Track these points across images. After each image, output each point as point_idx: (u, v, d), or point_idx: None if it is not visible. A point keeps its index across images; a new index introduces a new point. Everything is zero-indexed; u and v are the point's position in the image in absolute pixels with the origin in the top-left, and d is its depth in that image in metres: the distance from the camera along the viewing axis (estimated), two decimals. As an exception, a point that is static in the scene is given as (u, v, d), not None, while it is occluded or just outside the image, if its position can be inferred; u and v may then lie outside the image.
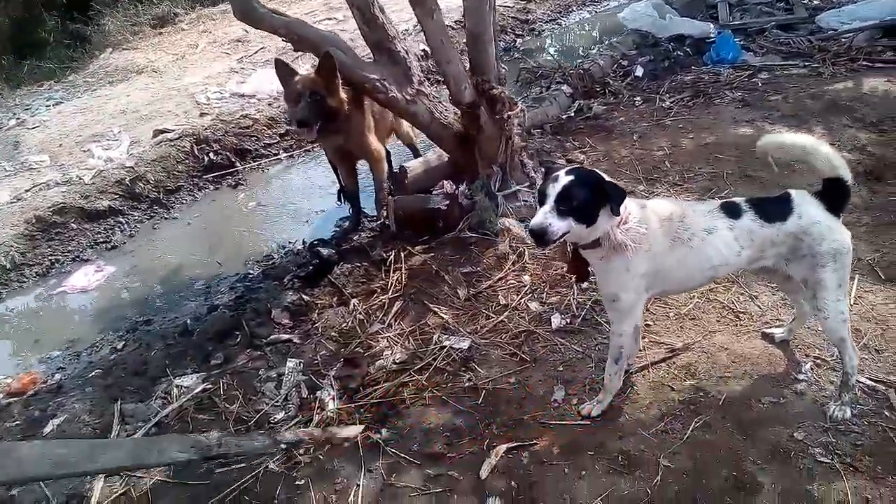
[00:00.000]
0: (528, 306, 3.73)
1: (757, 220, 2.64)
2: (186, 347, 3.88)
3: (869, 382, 2.96)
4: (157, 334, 4.21)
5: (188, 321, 4.21)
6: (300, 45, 4.30)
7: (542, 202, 2.46)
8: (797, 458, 2.63)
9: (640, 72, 6.62)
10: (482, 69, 4.28)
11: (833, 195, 2.64)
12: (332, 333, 3.79)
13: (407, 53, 4.42)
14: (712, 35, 7.13)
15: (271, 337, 3.83)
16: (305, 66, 6.71)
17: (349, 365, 3.50)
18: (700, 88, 5.95)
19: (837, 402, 2.81)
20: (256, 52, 9.25)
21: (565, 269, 3.31)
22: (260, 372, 3.60)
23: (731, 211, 2.68)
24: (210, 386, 3.49)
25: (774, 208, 2.67)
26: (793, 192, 2.68)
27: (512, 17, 9.65)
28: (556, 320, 3.58)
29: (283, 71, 4.20)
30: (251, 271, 4.75)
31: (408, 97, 4.29)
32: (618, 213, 2.47)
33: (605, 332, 3.43)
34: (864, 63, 6.14)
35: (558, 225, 2.40)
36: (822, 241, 2.60)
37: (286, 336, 3.83)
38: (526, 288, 3.87)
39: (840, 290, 2.66)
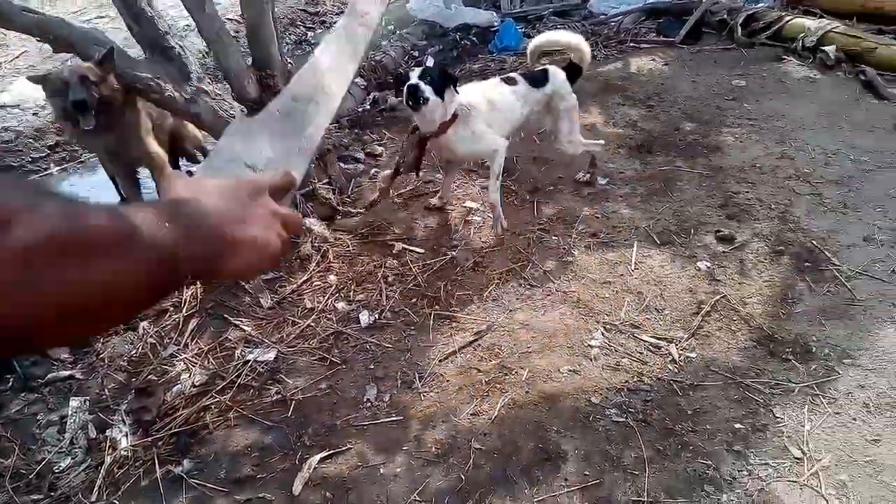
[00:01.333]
0: (335, 307, 3.61)
1: (527, 85, 4.03)
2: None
3: (653, 340, 3.19)
4: None
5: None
6: (59, 46, 3.86)
7: (407, 78, 3.52)
8: (595, 422, 2.77)
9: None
10: (266, 63, 4.07)
11: (573, 73, 4.20)
12: (121, 363, 3.43)
13: (183, 50, 4.11)
14: (496, 24, 7.38)
15: (49, 376, 3.39)
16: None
17: (142, 395, 3.18)
18: (487, 76, 6.10)
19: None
20: (18, 57, 8.28)
21: (407, 168, 4.10)
22: (38, 417, 3.17)
23: (511, 81, 4.03)
24: (-23, 442, 3.04)
25: (538, 77, 4.10)
26: (549, 66, 4.23)
27: (301, 10, 9.40)
28: (365, 318, 3.50)
29: (36, 80, 3.75)
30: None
31: (186, 96, 3.98)
32: (457, 91, 3.69)
33: (413, 321, 3.43)
34: (632, 44, 6.64)
35: (426, 87, 3.45)
36: (563, 99, 4.11)
37: (67, 372, 3.42)
38: (332, 288, 3.75)
39: (573, 127, 4.17)
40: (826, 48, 5.77)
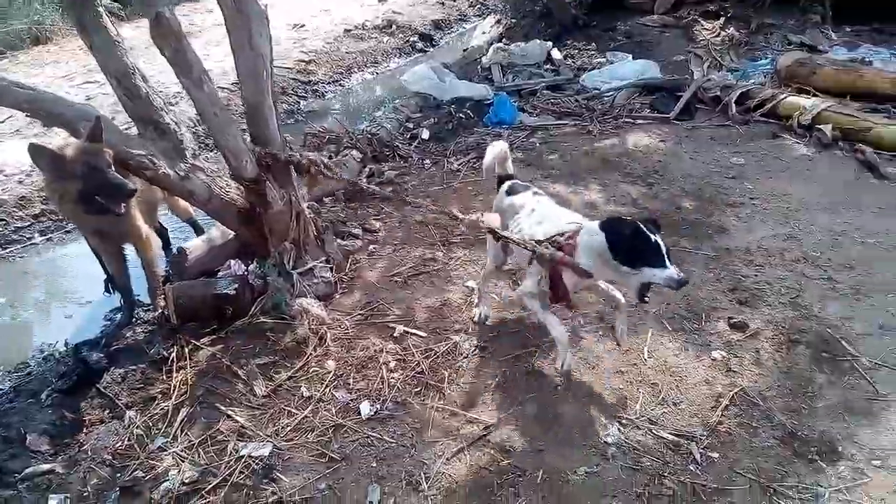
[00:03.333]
0: (334, 396, 3.43)
1: None
2: None
3: (672, 437, 3.03)
4: None
5: None
6: (51, 121, 3.75)
7: (659, 259, 2.84)
8: (618, 531, 2.58)
9: (426, 134, 6.67)
10: (264, 140, 3.98)
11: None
12: (106, 456, 3.20)
13: (178, 125, 4.01)
14: (490, 97, 7.40)
15: (27, 470, 3.15)
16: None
17: (128, 494, 2.96)
18: (483, 150, 6.06)
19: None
20: (3, 122, 8.17)
21: (559, 296, 3.28)
22: (12, 518, 2.95)
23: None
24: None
25: None
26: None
27: (292, 79, 9.41)
28: (366, 408, 3.32)
29: (42, 155, 3.58)
30: (0, 387, 3.97)
31: (181, 173, 3.86)
32: None
33: (417, 414, 3.25)
34: (627, 120, 6.67)
35: None
36: None
37: (46, 466, 3.17)
38: (331, 375, 3.57)
39: None
40: (822, 127, 5.81)
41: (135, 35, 8.11)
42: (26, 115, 3.74)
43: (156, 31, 3.38)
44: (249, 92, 3.90)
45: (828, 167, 5.43)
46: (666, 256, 2.86)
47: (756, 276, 4.10)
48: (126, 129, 4.13)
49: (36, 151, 3.54)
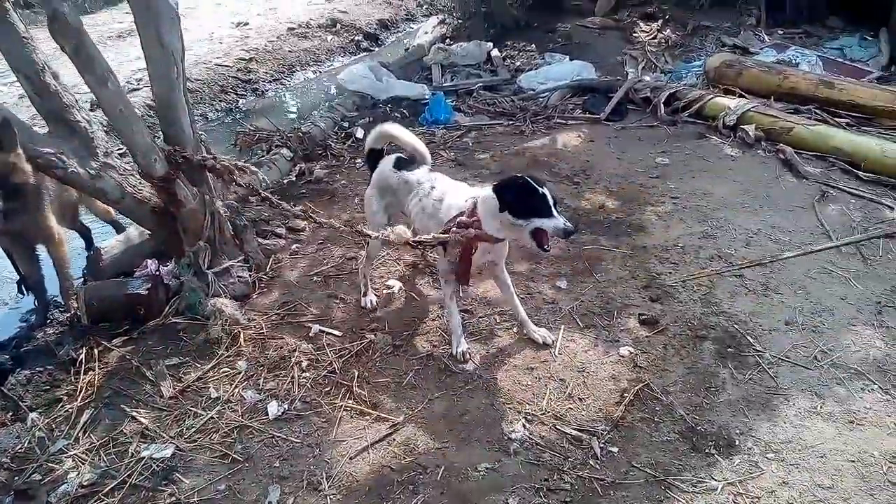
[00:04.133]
0: (242, 397, 3.38)
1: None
2: None
3: (575, 433, 3.07)
4: None
5: None
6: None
7: (545, 208, 3.04)
8: (511, 527, 2.60)
9: (360, 133, 6.63)
10: (176, 139, 3.92)
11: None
12: (3, 459, 3.12)
13: (89, 123, 3.93)
14: (427, 97, 7.40)
15: (-81, 475, 3.07)
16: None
17: (22, 498, 2.88)
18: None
19: None
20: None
21: (459, 275, 3.45)
22: None
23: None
24: None
25: None
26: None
27: (233, 77, 9.29)
28: (273, 409, 3.29)
29: None
30: None
31: (91, 172, 3.77)
32: None
33: (325, 413, 3.23)
34: (559, 121, 6.73)
35: None
36: None
37: (-60, 470, 3.10)
38: (241, 375, 3.53)
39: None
40: (746, 127, 5.94)
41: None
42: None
43: (54, 27, 3.31)
44: (161, 90, 3.84)
45: (750, 167, 5.55)
46: (553, 207, 3.08)
47: (670, 273, 4.17)
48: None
49: None
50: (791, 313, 3.78)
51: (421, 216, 3.59)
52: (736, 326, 3.69)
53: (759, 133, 5.89)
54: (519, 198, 3.09)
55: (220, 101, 8.73)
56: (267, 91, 9.35)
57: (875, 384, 3.25)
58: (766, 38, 8.79)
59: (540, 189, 3.07)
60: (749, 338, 3.61)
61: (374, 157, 4.05)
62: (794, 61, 7.45)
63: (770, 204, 4.93)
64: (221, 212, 4.13)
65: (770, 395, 3.24)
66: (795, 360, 3.45)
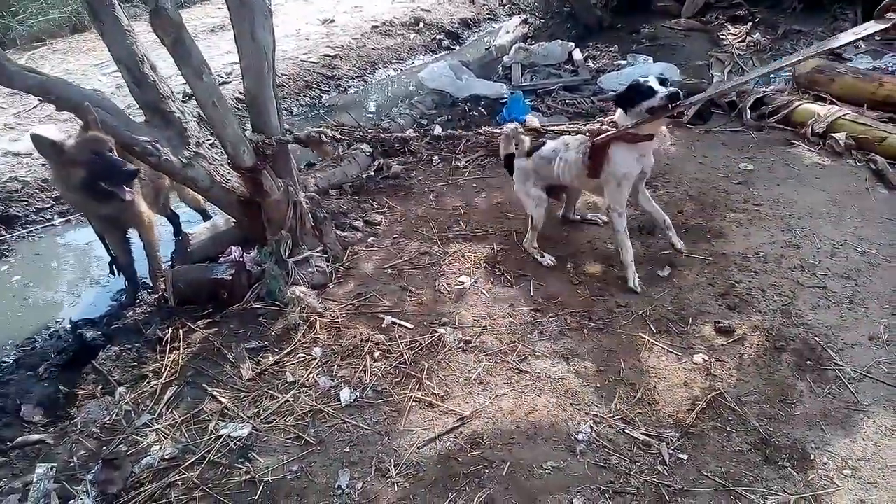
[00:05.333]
0: (317, 382, 3.50)
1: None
2: None
3: (643, 437, 3.04)
4: None
5: None
6: (61, 105, 3.87)
7: (649, 91, 3.71)
8: (576, 527, 2.61)
9: (438, 131, 6.69)
10: (264, 130, 4.07)
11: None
12: (94, 429, 3.33)
13: (183, 114, 4.14)
14: (505, 96, 7.41)
15: (18, 439, 3.29)
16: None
17: (109, 467, 3.05)
18: (492, 149, 6.07)
19: None
20: (36, 107, 8.41)
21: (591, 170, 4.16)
22: (1, 483, 3.07)
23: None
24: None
25: None
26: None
27: (318, 73, 9.51)
28: (346, 395, 3.39)
29: (44, 144, 3.75)
30: (4, 359, 4.12)
31: (184, 160, 3.97)
32: None
33: (395, 403, 3.31)
34: (639, 123, 6.60)
35: None
36: None
37: (37, 437, 3.31)
38: (316, 361, 3.64)
39: None
40: (836, 135, 5.71)
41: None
42: (38, 100, 3.86)
43: (155, 21, 3.48)
44: (251, 83, 3.98)
45: (839, 176, 5.34)
46: (656, 87, 3.72)
47: (749, 282, 4.07)
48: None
49: (37, 141, 3.71)
50: (876, 328, 3.63)
51: (569, 168, 4.25)
52: (817, 339, 3.57)
53: (850, 141, 5.65)
54: (628, 96, 3.83)
55: (304, 95, 8.96)
56: (350, 87, 9.54)
57: (963, 406, 3.10)
58: (861, 43, 8.41)
59: (641, 83, 3.77)
60: (830, 351, 3.49)
61: (509, 161, 4.67)
62: (891, 68, 7.11)
63: (858, 215, 4.73)
64: (304, 203, 4.26)
65: (849, 411, 3.13)
66: (878, 376, 3.32)
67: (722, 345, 3.59)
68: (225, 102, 3.90)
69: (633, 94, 3.79)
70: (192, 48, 3.68)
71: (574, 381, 3.40)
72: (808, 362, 3.43)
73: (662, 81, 3.78)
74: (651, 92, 3.70)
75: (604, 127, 4.05)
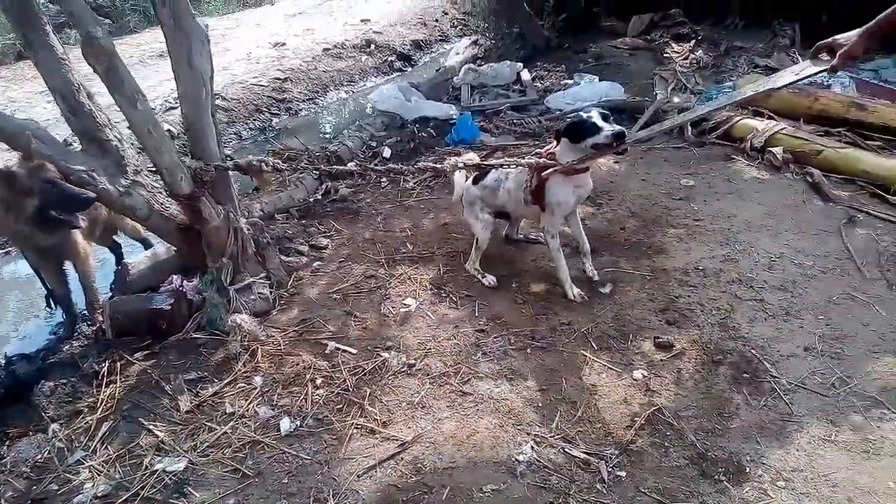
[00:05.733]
0: (256, 412, 3.45)
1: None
2: None
3: (583, 456, 3.05)
4: None
5: None
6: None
7: (594, 127, 3.75)
8: (512, 554, 2.60)
9: (387, 153, 6.72)
10: (202, 157, 4.03)
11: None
12: (24, 469, 3.23)
13: (120, 142, 4.07)
14: (454, 116, 7.46)
15: (-56, 482, 3.19)
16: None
17: (38, 507, 2.98)
18: (440, 170, 6.10)
19: None
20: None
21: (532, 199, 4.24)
22: (-77, 531, 2.96)
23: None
24: None
25: None
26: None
27: (268, 96, 9.49)
28: (286, 425, 3.34)
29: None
30: (-67, 399, 3.98)
31: (121, 189, 3.90)
32: None
33: (336, 431, 3.27)
34: (585, 141, 6.70)
35: None
36: None
37: (-36, 479, 3.21)
38: (256, 391, 3.59)
39: None
40: (773, 149, 5.86)
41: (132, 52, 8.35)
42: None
43: (87, 50, 3.44)
44: (189, 109, 3.95)
45: (777, 190, 5.47)
46: (600, 123, 3.76)
47: (689, 296, 4.13)
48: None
49: None
50: (811, 339, 3.71)
51: (510, 195, 4.35)
52: (753, 352, 3.64)
53: (788, 155, 5.80)
54: (572, 131, 3.86)
55: (254, 119, 8.92)
56: (300, 110, 9.53)
57: (893, 413, 3.17)
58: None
59: (585, 119, 3.81)
60: (766, 363, 3.55)
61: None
62: (826, 83, 7.33)
63: (795, 227, 4.85)
64: (245, 229, 4.22)
65: (784, 422, 3.18)
66: (812, 386, 3.38)
67: (661, 360, 3.63)
68: (161, 130, 3.87)
69: (578, 130, 3.82)
70: (125, 76, 3.64)
71: (516, 401, 3.41)
72: (745, 375, 3.49)
73: (605, 117, 3.82)
74: (595, 128, 3.74)
75: (542, 161, 4.05)
